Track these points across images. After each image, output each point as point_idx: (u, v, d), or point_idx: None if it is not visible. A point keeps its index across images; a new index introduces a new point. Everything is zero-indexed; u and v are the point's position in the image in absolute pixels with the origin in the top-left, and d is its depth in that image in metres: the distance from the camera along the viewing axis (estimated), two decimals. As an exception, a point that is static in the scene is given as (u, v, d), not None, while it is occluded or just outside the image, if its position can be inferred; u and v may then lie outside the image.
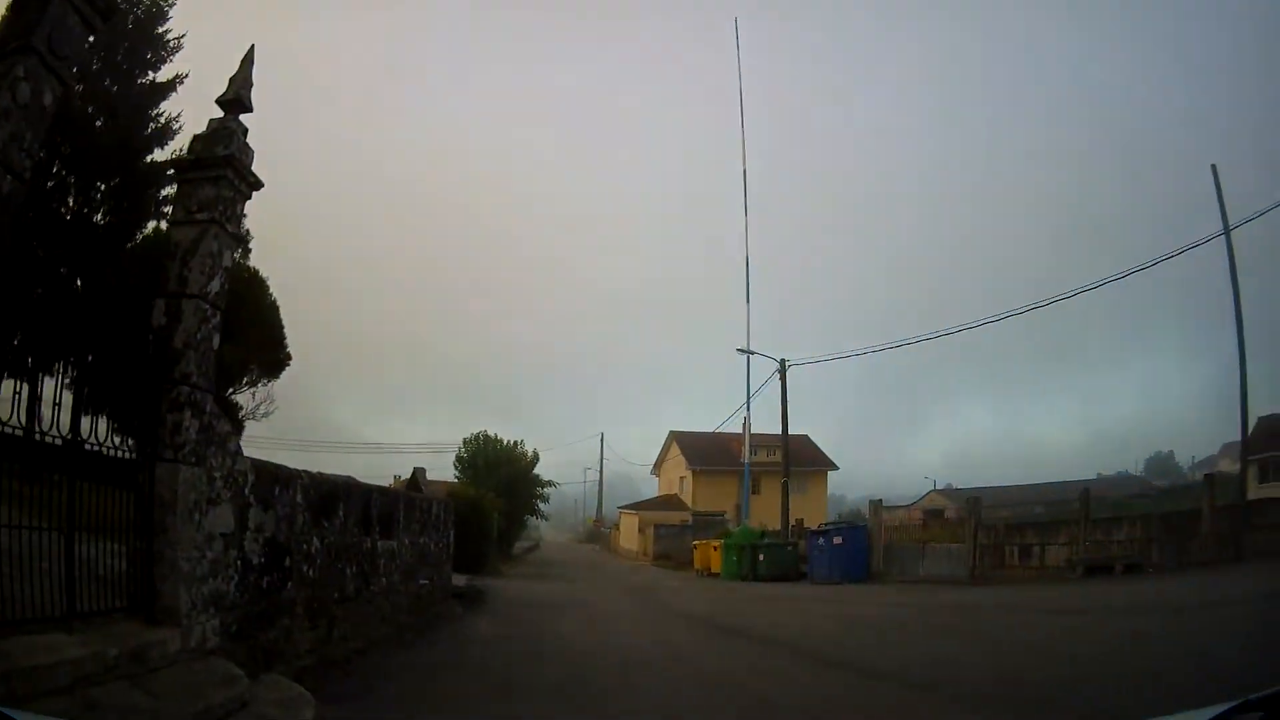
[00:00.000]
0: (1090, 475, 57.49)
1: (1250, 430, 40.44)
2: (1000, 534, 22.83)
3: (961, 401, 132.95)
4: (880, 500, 27.34)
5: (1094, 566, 19.59)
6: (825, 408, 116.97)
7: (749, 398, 33.82)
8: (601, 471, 69.70)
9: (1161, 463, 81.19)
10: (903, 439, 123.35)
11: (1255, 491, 35.90)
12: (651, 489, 58.89)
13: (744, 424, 34.99)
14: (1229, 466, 45.08)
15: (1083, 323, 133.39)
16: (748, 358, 33.07)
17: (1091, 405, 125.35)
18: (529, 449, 41.46)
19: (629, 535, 49.39)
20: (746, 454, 35.27)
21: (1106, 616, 13.21)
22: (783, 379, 30.84)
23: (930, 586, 21.33)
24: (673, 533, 39.67)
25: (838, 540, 24.65)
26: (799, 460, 48.34)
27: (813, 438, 50.98)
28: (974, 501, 24.27)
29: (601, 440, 69.23)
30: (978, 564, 22.69)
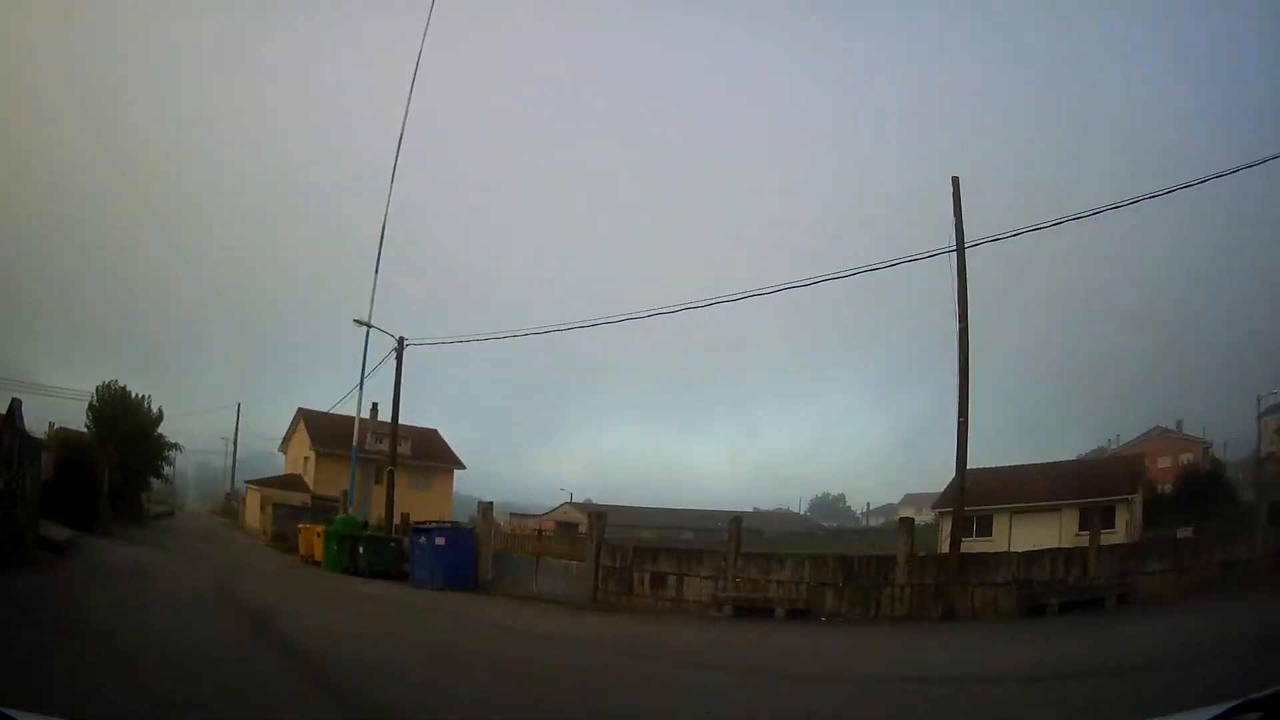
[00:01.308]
0: (746, 508, 58.94)
1: (951, 484, 40.72)
2: (629, 557, 19.08)
3: (614, 417, 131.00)
4: (490, 502, 24.15)
5: (746, 608, 16.49)
6: (467, 405, 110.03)
7: (363, 377, 31.26)
8: (235, 443, 66.09)
9: (830, 504, 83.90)
10: (547, 447, 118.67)
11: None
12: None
13: (357, 404, 32.71)
14: (917, 517, 44.85)
15: (756, 357, 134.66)
16: (367, 332, 30.17)
17: (754, 440, 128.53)
18: (155, 406, 40.17)
19: (253, 512, 46.58)
20: (356, 436, 32.46)
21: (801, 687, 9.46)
22: (399, 359, 28.83)
23: (542, 606, 18.41)
24: (292, 514, 37.31)
25: (440, 541, 21.49)
26: (428, 455, 45.78)
27: (444, 434, 49.76)
28: (597, 516, 20.66)
29: (238, 410, 65.65)
30: (600, 587, 18.89)
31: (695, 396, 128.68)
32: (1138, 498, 38.20)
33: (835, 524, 73.08)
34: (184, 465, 73.36)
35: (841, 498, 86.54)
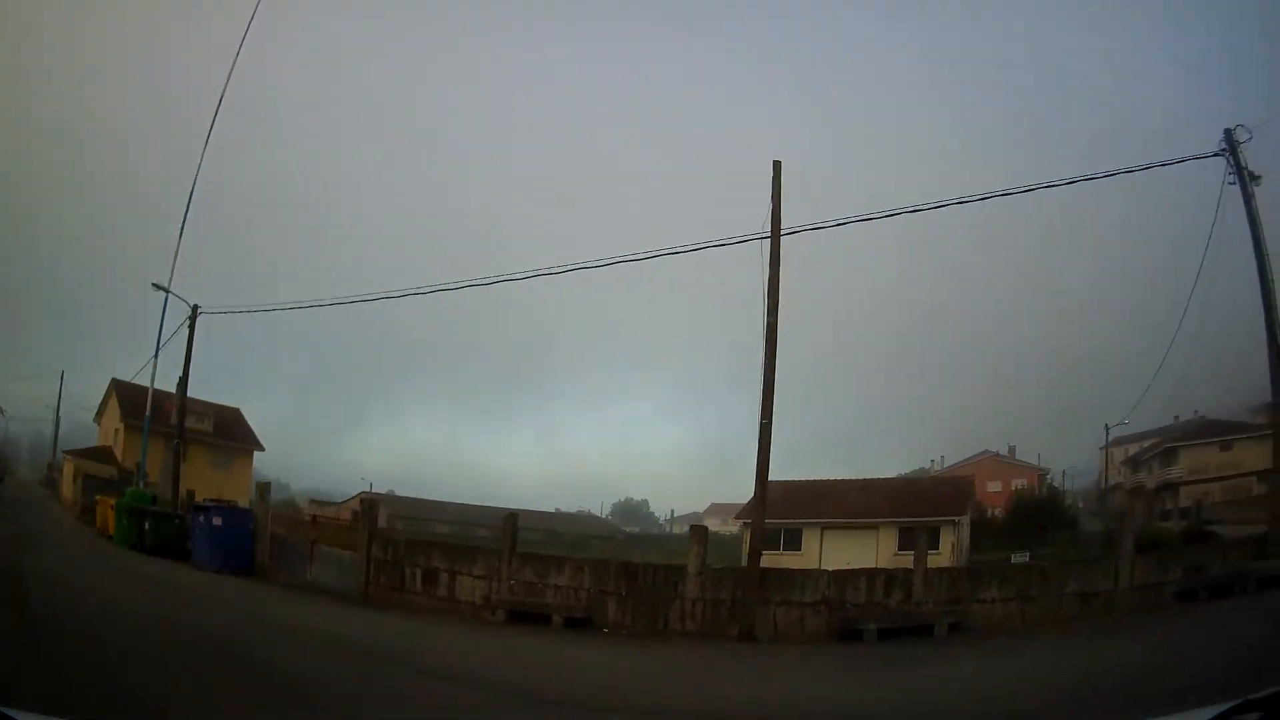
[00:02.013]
0: (548, 509, 57.83)
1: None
2: (401, 550, 16.88)
3: (422, 409, 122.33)
4: (269, 482, 23.58)
5: (521, 612, 14.49)
6: (278, 387, 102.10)
7: (159, 346, 30.07)
8: (58, 412, 63.09)
9: (633, 509, 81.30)
10: (356, 434, 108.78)
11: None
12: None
13: (151, 375, 31.95)
14: (721, 527, 43.96)
15: (565, 355, 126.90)
16: (165, 299, 28.66)
17: (560, 441, 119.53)
18: None
19: (68, 483, 44.11)
20: (149, 406, 31.71)
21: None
22: (191, 328, 27.46)
23: (312, 597, 16.51)
24: (99, 486, 35.09)
25: (217, 521, 19.89)
26: (230, 434, 44.90)
27: (252, 414, 48.53)
28: (369, 504, 18.83)
29: (61, 378, 62.11)
30: (372, 581, 16.55)
31: (501, 393, 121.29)
32: (965, 520, 36.83)
33: (638, 529, 71.40)
34: (19, 433, 72.88)
35: (645, 503, 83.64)
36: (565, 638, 13.52)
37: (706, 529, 15.30)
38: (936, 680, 10.04)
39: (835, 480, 38.04)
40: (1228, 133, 15.04)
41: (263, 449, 47.09)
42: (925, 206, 14.74)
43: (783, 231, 13.71)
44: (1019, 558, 29.78)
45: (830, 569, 14.07)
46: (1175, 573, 13.95)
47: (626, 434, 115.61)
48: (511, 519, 15.16)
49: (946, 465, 66.08)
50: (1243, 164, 14.84)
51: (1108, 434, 52.55)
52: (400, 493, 51.76)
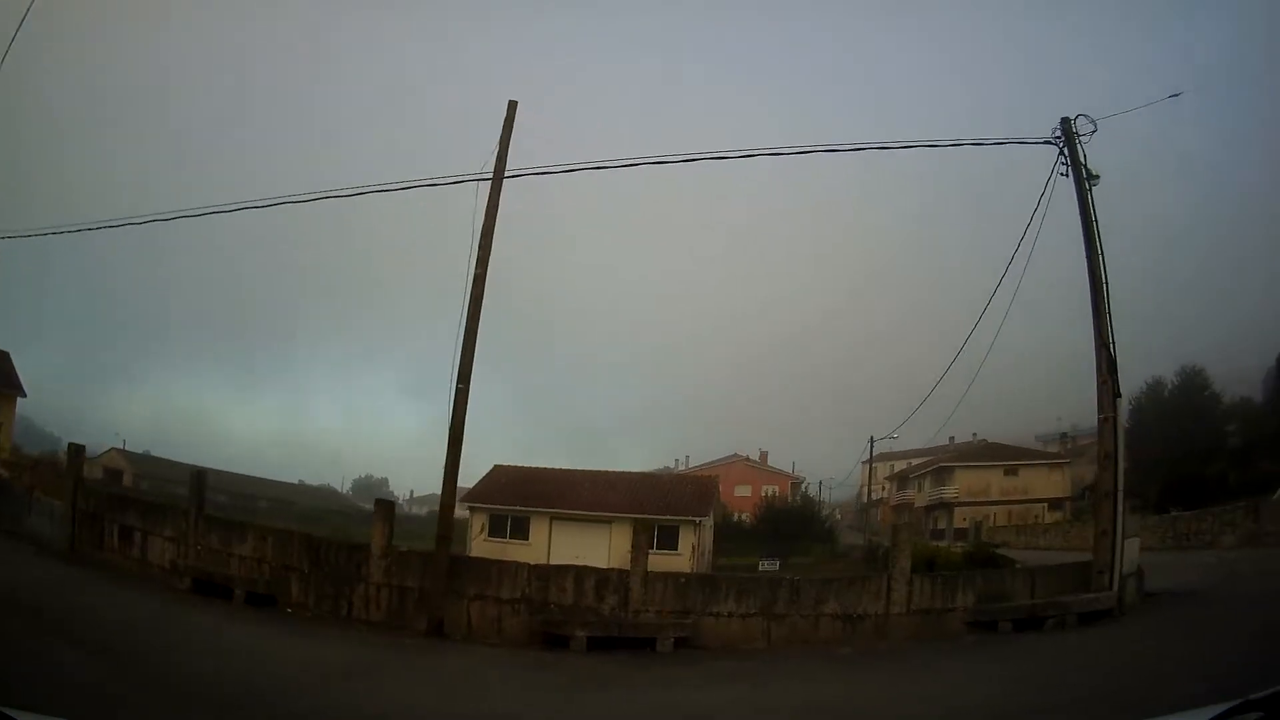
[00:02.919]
0: (291, 480, 57.32)
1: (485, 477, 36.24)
2: (102, 504, 15.17)
3: (185, 370, 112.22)
4: None
5: (206, 581, 12.75)
6: (54, 332, 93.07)
7: None
8: None
9: (373, 487, 79.15)
10: (124, 388, 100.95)
11: (481, 547, 32.07)
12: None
13: None
14: (460, 512, 41.53)
15: (312, 321, 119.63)
16: None
17: (307, 412, 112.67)
18: None
19: None
20: None
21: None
22: None
23: (21, 546, 14.94)
24: None
25: None
26: None
27: (21, 359, 44.15)
28: (76, 449, 16.38)
29: None
30: (77, 534, 14.78)
31: (251, 359, 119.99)
32: (708, 522, 35.36)
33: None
34: None
35: (385, 481, 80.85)
36: (241, 615, 11.96)
37: (392, 504, 13.62)
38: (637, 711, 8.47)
39: (570, 470, 36.28)
40: (1065, 122, 13.08)
41: (24, 394, 42.57)
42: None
43: (507, 174, 11.67)
44: (768, 566, 28.17)
45: (530, 563, 11.97)
46: (968, 598, 11.99)
47: (371, 409, 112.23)
48: (199, 476, 13.26)
49: (693, 466, 64.19)
50: (1080, 158, 12.82)
51: (871, 446, 49.56)
52: (156, 454, 49.90)
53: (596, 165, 12.37)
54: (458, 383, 11.28)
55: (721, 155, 12.95)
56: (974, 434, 66.37)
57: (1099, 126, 12.67)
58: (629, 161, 12.41)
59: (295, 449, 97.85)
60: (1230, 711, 2.43)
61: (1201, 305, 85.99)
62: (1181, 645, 9.90)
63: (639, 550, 11.28)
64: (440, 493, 11.67)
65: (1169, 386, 51.35)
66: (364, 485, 73.85)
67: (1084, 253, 12.76)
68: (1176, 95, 14.70)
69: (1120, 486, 12.46)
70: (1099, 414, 12.53)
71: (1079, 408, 61.14)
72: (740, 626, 11.32)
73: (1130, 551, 12.86)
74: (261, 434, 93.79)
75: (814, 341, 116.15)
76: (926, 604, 11.86)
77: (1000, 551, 26.47)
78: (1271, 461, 33.11)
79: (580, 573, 11.52)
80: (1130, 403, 59.56)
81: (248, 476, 44.12)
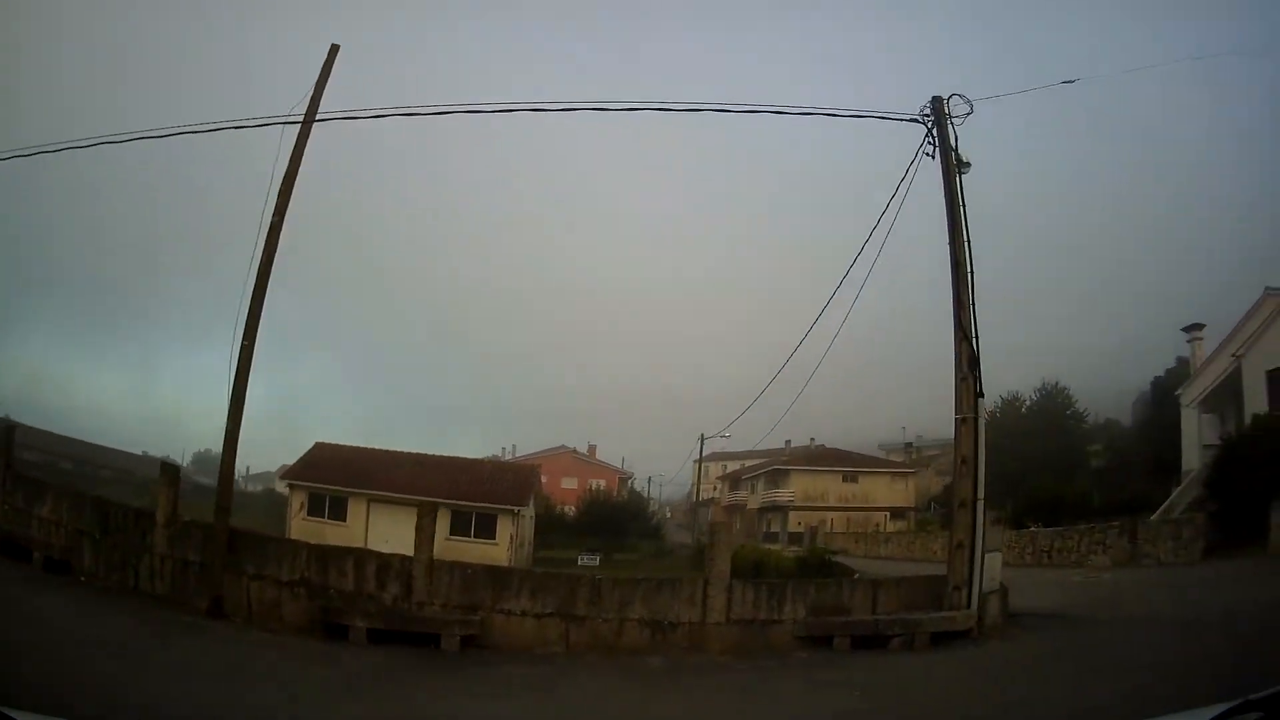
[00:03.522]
0: (136, 451, 57.26)
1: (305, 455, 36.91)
2: None
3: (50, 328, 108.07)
4: None
5: (8, 541, 12.43)
6: None
7: None
8: None
9: (211, 461, 78.02)
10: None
11: (300, 526, 32.13)
12: None
13: None
14: (283, 489, 42.99)
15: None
16: None
17: (160, 381, 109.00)
18: None
19: None
20: None
21: None
22: None
23: None
24: None
25: None
26: None
27: None
28: None
29: None
30: None
31: (107, 322, 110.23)
32: (529, 512, 35.30)
33: (210, 481, 69.14)
34: None
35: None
36: (38, 582, 11.52)
37: (178, 469, 13.19)
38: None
39: (392, 451, 36.28)
40: (936, 100, 12.00)
41: None
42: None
43: (318, 117, 10.77)
44: (587, 561, 28.10)
45: (310, 543, 11.42)
46: (798, 609, 11.12)
47: (216, 381, 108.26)
48: (6, 432, 12.86)
49: (520, 455, 62.99)
50: (950, 138, 11.65)
51: (701, 445, 48.97)
52: (27, 421, 49.90)
53: (410, 112, 11.62)
54: (243, 339, 10.61)
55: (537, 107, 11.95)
56: (811, 439, 66.13)
57: (975, 109, 11.50)
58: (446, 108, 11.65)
59: (146, 420, 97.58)
60: (1230, 711, 2.44)
61: (1076, 326, 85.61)
62: (1050, 674, 8.98)
63: (423, 535, 10.59)
64: (220, 461, 11.13)
65: (1027, 402, 51.05)
66: (203, 459, 74.33)
67: (947, 237, 11.63)
68: (1070, 82, 13.23)
69: (981, 494, 11.42)
70: (956, 414, 11.44)
71: (927, 418, 61.58)
72: (535, 627, 10.59)
73: (991, 567, 11.86)
74: (113, 404, 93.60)
75: (654, 340, 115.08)
76: (749, 614, 10.96)
77: (840, 559, 25.60)
78: (1144, 483, 32.71)
79: (361, 557, 10.93)
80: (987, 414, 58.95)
81: (94, 445, 45.58)
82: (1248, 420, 23.23)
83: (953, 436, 11.99)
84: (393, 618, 10.39)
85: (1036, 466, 43.78)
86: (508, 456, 61.69)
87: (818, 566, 20.00)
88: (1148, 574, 19.99)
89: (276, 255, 11.05)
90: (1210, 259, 74.51)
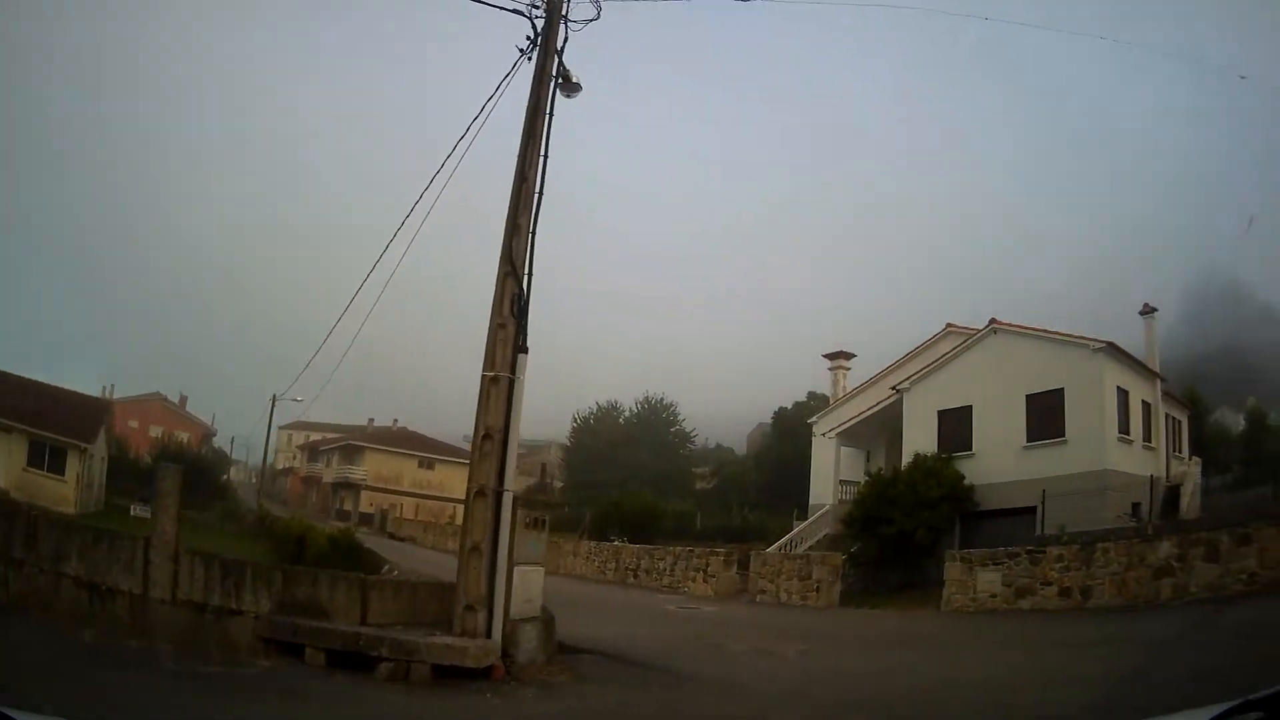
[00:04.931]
0: None
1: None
2: None
3: None
4: None
5: None
6: None
7: None
8: None
9: None
10: None
11: None
12: None
13: None
14: None
15: None
16: None
17: None
18: None
19: None
20: None
21: None
22: None
23: None
24: None
25: None
26: None
27: None
28: None
29: None
30: None
31: None
32: (101, 453, 33.47)
33: None
34: None
35: None
36: None
37: None
38: None
39: None
40: None
41: None
42: None
43: None
44: (140, 510, 25.86)
45: None
46: (261, 601, 8.46)
47: None
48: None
49: (118, 398, 58.22)
50: (557, 36, 9.64)
51: (274, 405, 45.18)
52: None
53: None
54: None
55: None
56: (395, 420, 65.21)
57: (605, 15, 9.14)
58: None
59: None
60: (1230, 711, 2.33)
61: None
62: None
63: None
64: None
65: (626, 412, 52.51)
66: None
67: (519, 143, 9.04)
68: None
69: (508, 480, 8.59)
70: (485, 370, 8.70)
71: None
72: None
73: (527, 585, 8.80)
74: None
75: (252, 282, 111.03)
76: (201, 596, 8.28)
77: (408, 547, 24.87)
78: (761, 513, 32.49)
79: None
80: (574, 420, 54.95)
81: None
82: (907, 458, 21.79)
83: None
84: None
85: (632, 478, 42.41)
86: (108, 396, 55.00)
87: (346, 549, 17.24)
88: (765, 614, 17.25)
89: None
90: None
